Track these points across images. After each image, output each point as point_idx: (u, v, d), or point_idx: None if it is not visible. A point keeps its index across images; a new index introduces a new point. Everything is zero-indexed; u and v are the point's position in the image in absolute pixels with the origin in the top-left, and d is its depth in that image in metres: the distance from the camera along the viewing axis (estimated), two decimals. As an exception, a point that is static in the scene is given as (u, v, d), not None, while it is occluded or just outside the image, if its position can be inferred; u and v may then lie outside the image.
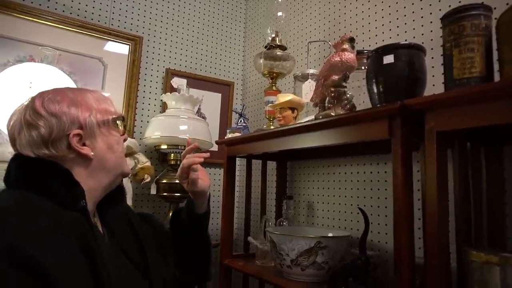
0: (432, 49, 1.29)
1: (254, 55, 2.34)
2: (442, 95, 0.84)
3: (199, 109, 2.20)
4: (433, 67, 1.25)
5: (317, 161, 1.73)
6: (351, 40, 1.19)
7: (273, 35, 1.66)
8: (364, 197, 1.49)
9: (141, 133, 2.02)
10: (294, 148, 1.27)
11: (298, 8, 1.99)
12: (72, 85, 1.62)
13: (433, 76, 1.25)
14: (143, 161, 1.79)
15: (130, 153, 1.76)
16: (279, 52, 1.62)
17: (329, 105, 1.19)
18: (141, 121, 2.06)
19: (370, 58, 1.06)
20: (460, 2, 1.23)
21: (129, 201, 1.73)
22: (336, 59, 1.17)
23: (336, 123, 1.08)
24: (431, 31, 1.32)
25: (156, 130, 1.79)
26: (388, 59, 1.00)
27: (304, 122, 1.20)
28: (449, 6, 1.25)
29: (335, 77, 1.18)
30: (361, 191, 1.50)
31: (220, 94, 2.33)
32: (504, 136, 1.04)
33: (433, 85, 1.26)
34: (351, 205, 1.54)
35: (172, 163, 1.89)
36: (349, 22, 1.65)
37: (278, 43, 1.64)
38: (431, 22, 1.32)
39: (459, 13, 0.83)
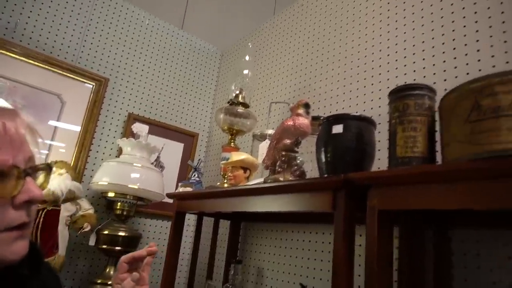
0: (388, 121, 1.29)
1: (222, 108, 2.35)
2: (384, 172, 0.81)
3: (158, 157, 2.11)
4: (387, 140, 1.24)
5: (271, 224, 1.65)
6: (306, 106, 1.18)
7: (237, 92, 1.65)
8: (314, 268, 1.40)
9: (91, 176, 1.90)
10: (241, 211, 1.20)
11: (268, 69, 2.03)
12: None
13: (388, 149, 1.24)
14: (86, 207, 1.66)
15: (72, 198, 1.63)
16: (240, 109, 1.60)
17: (279, 169, 1.14)
18: (94, 164, 1.95)
19: (321, 126, 1.04)
20: (415, 80, 1.26)
21: (63, 251, 1.57)
22: (289, 123, 1.15)
23: (281, 189, 1.03)
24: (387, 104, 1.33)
25: (104, 176, 1.69)
26: (337, 129, 0.97)
27: (251, 184, 1.14)
28: (405, 82, 1.28)
29: (287, 141, 1.14)
30: (311, 261, 1.41)
31: (183, 144, 2.27)
32: (452, 218, 1.01)
33: (387, 157, 1.24)
34: (301, 275, 1.44)
35: (118, 212, 1.76)
36: (313, 87, 1.67)
37: (241, 100, 1.63)
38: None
39: (404, 91, 0.83)
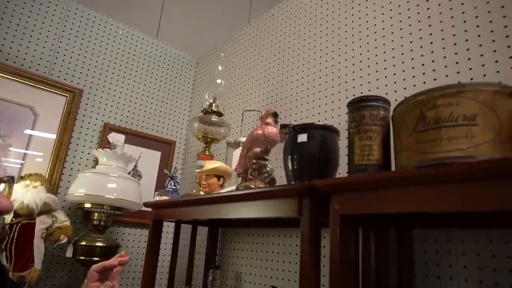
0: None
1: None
2: (344, 179, 0.86)
3: (135, 166, 2.13)
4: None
5: (248, 229, 1.69)
6: (275, 115, 1.23)
7: (211, 101, 1.69)
8: (289, 271, 1.44)
9: (67, 188, 1.90)
10: (216, 218, 1.23)
11: (241, 77, 2.07)
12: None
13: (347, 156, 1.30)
14: (62, 219, 1.66)
15: (48, 211, 1.63)
16: (214, 118, 1.64)
17: (250, 177, 1.18)
18: (70, 175, 1.94)
19: (288, 134, 1.09)
20: (378, 88, 1.33)
21: (39, 264, 1.57)
22: (259, 132, 1.20)
23: (251, 196, 1.07)
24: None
25: (81, 187, 1.69)
26: (302, 137, 1.02)
27: (223, 192, 1.18)
28: (369, 90, 1.35)
29: (257, 150, 1.19)
30: (286, 264, 1.46)
31: (160, 153, 2.29)
32: (414, 219, 1.07)
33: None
34: (276, 278, 1.48)
35: (95, 223, 1.77)
36: (284, 95, 1.72)
37: (215, 109, 1.67)
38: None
39: (360, 103, 0.89)
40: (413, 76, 1.18)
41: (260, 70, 1.94)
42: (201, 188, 1.58)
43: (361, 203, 0.81)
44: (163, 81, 2.44)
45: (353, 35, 1.48)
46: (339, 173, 1.26)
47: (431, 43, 1.17)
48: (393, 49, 1.29)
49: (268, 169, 1.17)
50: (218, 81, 1.72)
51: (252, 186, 1.14)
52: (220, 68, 1.74)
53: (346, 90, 1.44)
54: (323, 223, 0.95)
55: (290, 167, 1.05)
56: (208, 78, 1.73)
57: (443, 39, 1.15)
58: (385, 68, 1.29)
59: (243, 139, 1.54)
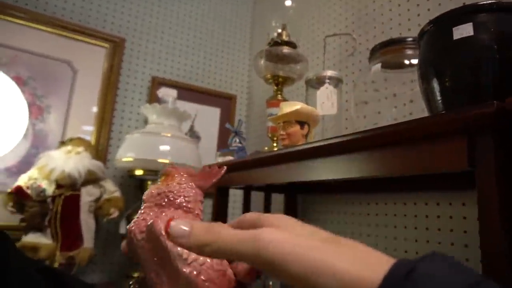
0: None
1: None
2: None
3: (192, 126, 1.81)
4: None
5: (343, 196, 1.29)
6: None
7: (279, 30, 1.27)
8: (405, 251, 1.03)
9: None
10: (302, 180, 0.85)
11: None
12: (18, 92, 1.27)
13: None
14: (111, 190, 1.39)
15: (94, 180, 1.37)
16: (286, 50, 1.22)
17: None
18: (119, 139, 1.67)
19: (425, 35, 0.64)
20: None
21: (90, 243, 1.33)
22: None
23: (369, 142, 0.65)
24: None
25: (129, 151, 1.40)
26: (463, 30, 0.57)
27: (318, 141, 0.78)
28: None
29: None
30: (407, 243, 1.04)
31: (219, 109, 1.94)
32: None
33: None
34: (386, 261, 1.08)
35: (150, 193, 1.49)
36: (381, 11, 1.24)
37: (285, 39, 1.24)
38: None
39: None
40: None
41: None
42: (274, 144, 1.20)
43: None
44: (215, 24, 2.05)
45: None
46: None
47: None
48: None
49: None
50: (288, 2, 1.29)
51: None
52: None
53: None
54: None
55: (437, 89, 0.61)
56: (273, 2, 1.29)
57: None
58: None
59: (329, 74, 1.12)
